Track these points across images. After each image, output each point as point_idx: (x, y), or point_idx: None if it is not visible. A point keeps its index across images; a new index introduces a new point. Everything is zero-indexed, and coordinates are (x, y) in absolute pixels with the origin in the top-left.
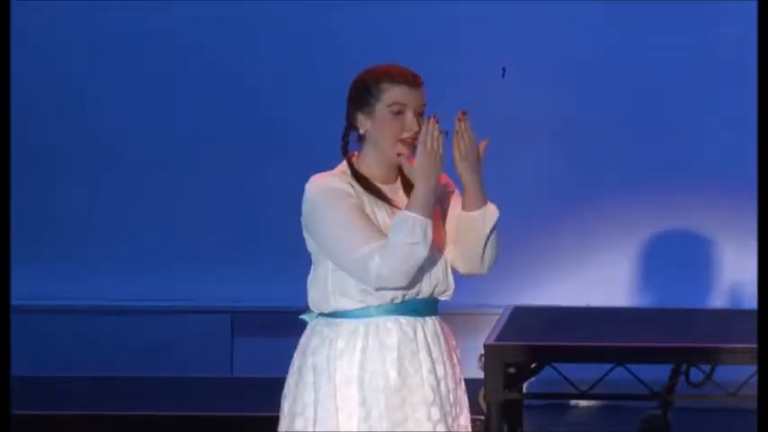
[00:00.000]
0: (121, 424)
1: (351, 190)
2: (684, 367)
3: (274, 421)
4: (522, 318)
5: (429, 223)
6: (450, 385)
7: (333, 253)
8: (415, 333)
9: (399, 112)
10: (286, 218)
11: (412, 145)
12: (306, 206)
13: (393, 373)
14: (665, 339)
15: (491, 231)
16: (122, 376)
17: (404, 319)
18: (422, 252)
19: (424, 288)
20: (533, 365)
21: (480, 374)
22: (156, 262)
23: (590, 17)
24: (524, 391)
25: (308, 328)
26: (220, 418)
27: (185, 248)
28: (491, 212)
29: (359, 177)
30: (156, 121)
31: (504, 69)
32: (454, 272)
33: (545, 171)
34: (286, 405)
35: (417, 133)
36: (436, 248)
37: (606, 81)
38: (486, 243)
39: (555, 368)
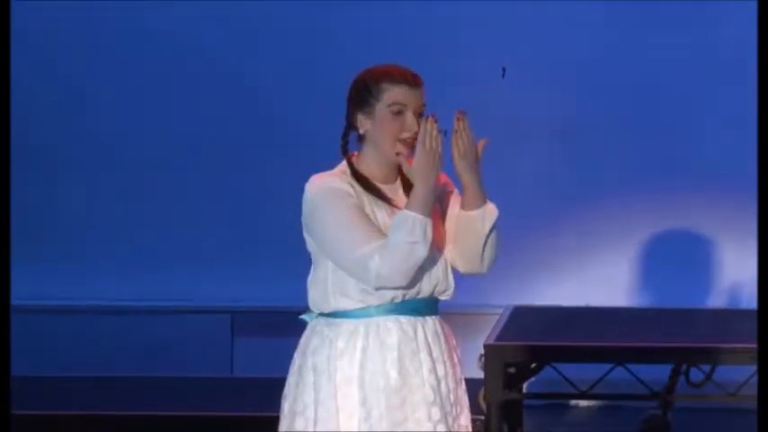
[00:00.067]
0: (121, 424)
1: (350, 190)
2: (684, 367)
3: (274, 421)
4: (522, 318)
5: (429, 222)
6: (451, 385)
7: (333, 253)
8: (415, 333)
9: (399, 113)
10: (286, 218)
11: (411, 145)
12: (306, 206)
13: (393, 373)
14: (665, 339)
15: (490, 231)
16: (122, 376)
17: (404, 319)
18: (422, 251)
19: (425, 287)
20: (533, 365)
21: (480, 374)
22: (156, 262)
23: (590, 17)
24: (524, 391)
25: (308, 328)
26: (220, 418)
27: (185, 248)
28: (490, 212)
29: (359, 177)
30: (156, 121)
31: (504, 69)
32: (454, 272)
33: (545, 171)
34: (286, 405)
35: (417, 133)
36: (436, 248)
37: (606, 81)
38: (485, 242)
39: (555, 368)
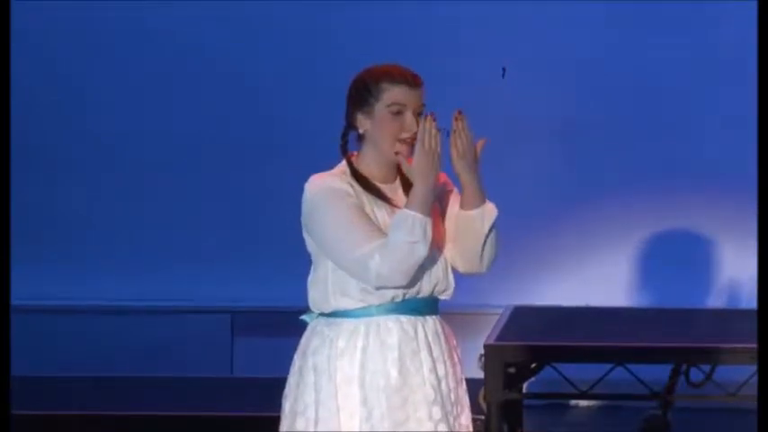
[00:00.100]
0: (121, 424)
1: (350, 189)
2: (684, 367)
3: (274, 421)
4: (522, 318)
5: (428, 222)
6: (452, 384)
7: (333, 252)
8: (415, 332)
9: (399, 113)
10: (286, 218)
11: (411, 144)
12: (305, 206)
13: (394, 373)
14: (665, 339)
15: (490, 230)
16: (122, 376)
17: (404, 318)
18: (422, 251)
19: (425, 287)
20: (533, 365)
21: (480, 374)
22: (156, 262)
23: (590, 17)
24: (524, 391)
25: (309, 328)
26: (220, 418)
27: (185, 248)
28: (489, 211)
29: (358, 177)
30: (156, 121)
31: (504, 69)
32: (454, 272)
33: (545, 171)
34: (287, 405)
35: (417, 133)
36: (436, 247)
37: (606, 81)
38: (484, 242)
39: (555, 368)
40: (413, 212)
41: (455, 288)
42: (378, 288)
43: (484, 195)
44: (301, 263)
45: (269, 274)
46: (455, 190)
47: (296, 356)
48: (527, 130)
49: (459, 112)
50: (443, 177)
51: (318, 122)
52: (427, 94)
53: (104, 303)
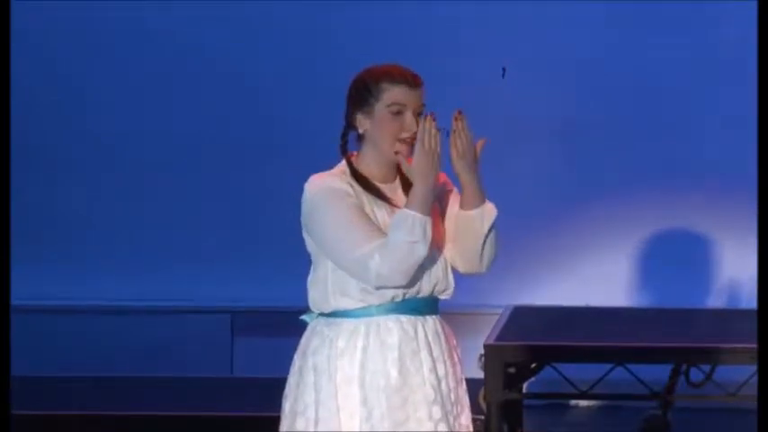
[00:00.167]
0: (121, 424)
1: (350, 189)
2: (684, 367)
3: (274, 421)
4: (522, 318)
5: (428, 221)
6: (452, 384)
7: (332, 252)
8: (415, 332)
9: (399, 113)
10: (286, 218)
11: (411, 144)
12: (305, 206)
13: (394, 373)
14: (665, 339)
15: (489, 230)
16: (122, 376)
17: (404, 318)
18: (422, 250)
19: (425, 287)
20: (533, 365)
21: (480, 374)
22: (156, 262)
23: (590, 17)
24: (524, 391)
25: (309, 328)
26: (220, 418)
27: (185, 248)
28: (489, 211)
29: (358, 177)
30: (156, 121)
31: (504, 69)
32: (454, 271)
33: (545, 171)
34: (287, 405)
35: (416, 133)
36: (436, 247)
37: (606, 81)
38: (484, 242)
39: (555, 368)
40: (413, 212)
41: (455, 288)
42: (378, 288)
43: (483, 195)
44: (301, 263)
45: (269, 274)
46: (455, 190)
47: (296, 356)
48: (527, 130)
49: (459, 112)
50: (443, 177)
51: (318, 122)
52: (427, 94)
53: (104, 303)
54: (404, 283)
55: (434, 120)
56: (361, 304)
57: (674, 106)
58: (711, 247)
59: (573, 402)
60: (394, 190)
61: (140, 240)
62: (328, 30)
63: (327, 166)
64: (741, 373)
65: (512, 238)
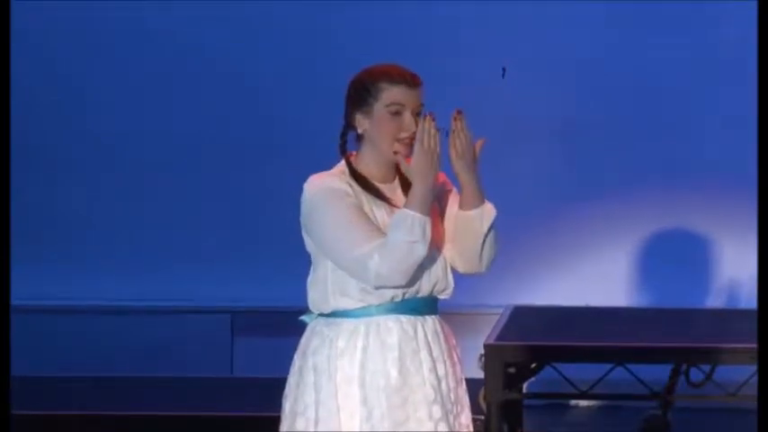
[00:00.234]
0: (121, 424)
1: (349, 189)
2: (684, 367)
3: (274, 421)
4: (522, 318)
5: (428, 221)
6: (451, 384)
7: (332, 252)
8: (415, 332)
9: (397, 113)
10: (286, 218)
11: (410, 145)
12: (304, 206)
13: (394, 373)
14: (665, 339)
15: (488, 230)
16: (122, 376)
17: (404, 318)
18: (421, 250)
19: (424, 286)
20: (533, 365)
21: (480, 374)
22: (156, 262)
23: (590, 17)
24: (524, 391)
25: (308, 328)
26: (220, 418)
27: (185, 248)
28: (488, 211)
29: (357, 177)
30: (156, 121)
31: (504, 69)
32: (453, 271)
33: (545, 171)
34: (287, 405)
35: (415, 133)
36: (435, 247)
37: (606, 81)
38: (483, 242)
39: (555, 368)
40: (412, 212)
41: (454, 287)
42: (377, 288)
43: (483, 195)
44: (301, 263)
45: (269, 274)
46: (454, 190)
47: (296, 357)
48: (527, 130)
49: (458, 112)
50: (442, 177)
51: (318, 122)
52: (427, 94)
53: (104, 303)
54: (403, 282)
55: (433, 119)
56: (360, 304)
57: (674, 106)
58: (711, 246)
59: (573, 402)
60: (393, 190)
61: (140, 240)
62: (328, 30)
63: (327, 166)
64: (741, 373)
65: (511, 238)
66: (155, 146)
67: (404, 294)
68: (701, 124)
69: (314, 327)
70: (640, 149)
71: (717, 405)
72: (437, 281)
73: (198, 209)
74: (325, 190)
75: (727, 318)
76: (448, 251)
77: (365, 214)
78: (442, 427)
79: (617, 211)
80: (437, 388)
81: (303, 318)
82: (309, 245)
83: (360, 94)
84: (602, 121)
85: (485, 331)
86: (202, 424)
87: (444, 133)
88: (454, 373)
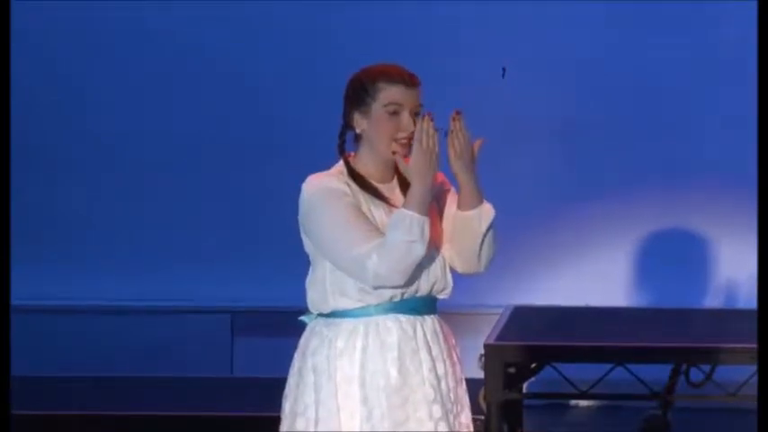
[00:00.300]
0: (121, 424)
1: (347, 189)
2: (684, 367)
3: (274, 421)
4: (522, 318)
5: (426, 221)
6: (451, 384)
7: (330, 252)
8: (414, 331)
9: (395, 112)
10: (286, 218)
11: (408, 145)
12: (303, 206)
13: (394, 372)
14: (665, 339)
15: (487, 230)
16: (122, 376)
17: (403, 318)
18: (419, 250)
19: (423, 286)
20: (533, 365)
21: (480, 374)
22: (156, 262)
23: (590, 17)
24: (524, 391)
25: (308, 329)
26: (220, 418)
27: (185, 248)
28: (487, 212)
29: (355, 176)
30: (156, 121)
31: (504, 69)
32: (452, 271)
33: (545, 171)
34: (287, 405)
35: (413, 133)
36: (434, 246)
37: (606, 81)
38: (482, 242)
39: (555, 368)
40: (410, 212)
41: (453, 287)
42: (376, 288)
43: (481, 195)
44: (301, 263)
45: (269, 274)
46: (453, 189)
47: (295, 357)
48: (527, 130)
49: (457, 112)
50: (441, 177)
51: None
52: (427, 94)
53: (104, 303)
54: (402, 282)
55: (432, 119)
56: (359, 304)
57: (674, 106)
58: (710, 246)
59: (573, 402)
60: (392, 190)
61: (140, 240)
62: (328, 30)
63: (327, 165)
64: (741, 373)
65: (511, 238)
66: (155, 146)
67: (403, 294)
68: (701, 124)
69: (313, 327)
70: (640, 149)
71: (717, 405)
72: (436, 280)
73: (198, 209)
74: (324, 190)
75: (726, 318)
76: (446, 251)
77: (363, 214)
78: (442, 426)
79: (617, 211)
80: (437, 387)
81: (302, 318)
82: (308, 245)
83: (358, 93)
84: (602, 121)
85: (485, 331)
86: (202, 424)
87: (443, 133)
88: (454, 372)
